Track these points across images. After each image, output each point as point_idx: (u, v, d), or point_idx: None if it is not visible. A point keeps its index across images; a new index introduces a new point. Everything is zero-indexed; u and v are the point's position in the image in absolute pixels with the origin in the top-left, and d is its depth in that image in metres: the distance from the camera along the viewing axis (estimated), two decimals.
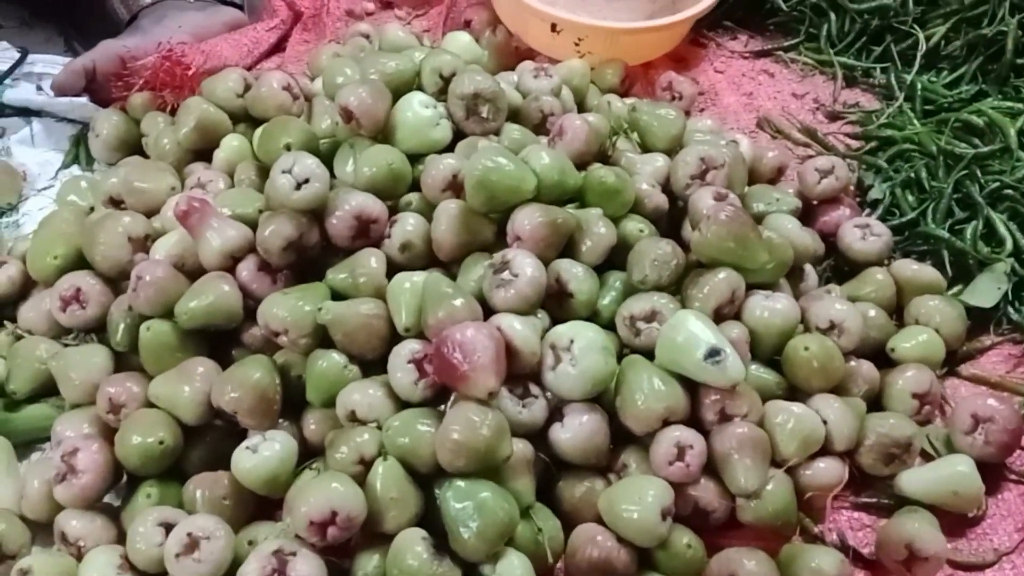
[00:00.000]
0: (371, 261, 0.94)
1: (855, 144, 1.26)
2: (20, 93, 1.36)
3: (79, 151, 1.32)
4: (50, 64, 1.43)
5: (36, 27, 1.59)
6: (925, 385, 0.95)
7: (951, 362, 1.03)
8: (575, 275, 0.94)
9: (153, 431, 0.87)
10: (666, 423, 0.86)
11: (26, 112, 1.35)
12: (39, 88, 1.39)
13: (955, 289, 1.07)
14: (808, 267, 1.04)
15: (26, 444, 0.98)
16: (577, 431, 0.86)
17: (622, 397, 0.88)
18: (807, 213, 1.12)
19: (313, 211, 0.95)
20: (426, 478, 0.84)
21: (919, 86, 1.28)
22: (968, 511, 0.90)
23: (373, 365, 0.92)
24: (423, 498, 0.84)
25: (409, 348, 0.88)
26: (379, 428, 0.86)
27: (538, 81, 1.18)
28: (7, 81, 1.38)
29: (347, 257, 0.97)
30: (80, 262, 1.02)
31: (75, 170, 1.30)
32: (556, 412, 0.88)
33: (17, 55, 1.43)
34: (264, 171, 1.06)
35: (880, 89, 1.34)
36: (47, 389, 0.98)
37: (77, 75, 1.29)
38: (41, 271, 1.03)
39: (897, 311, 1.05)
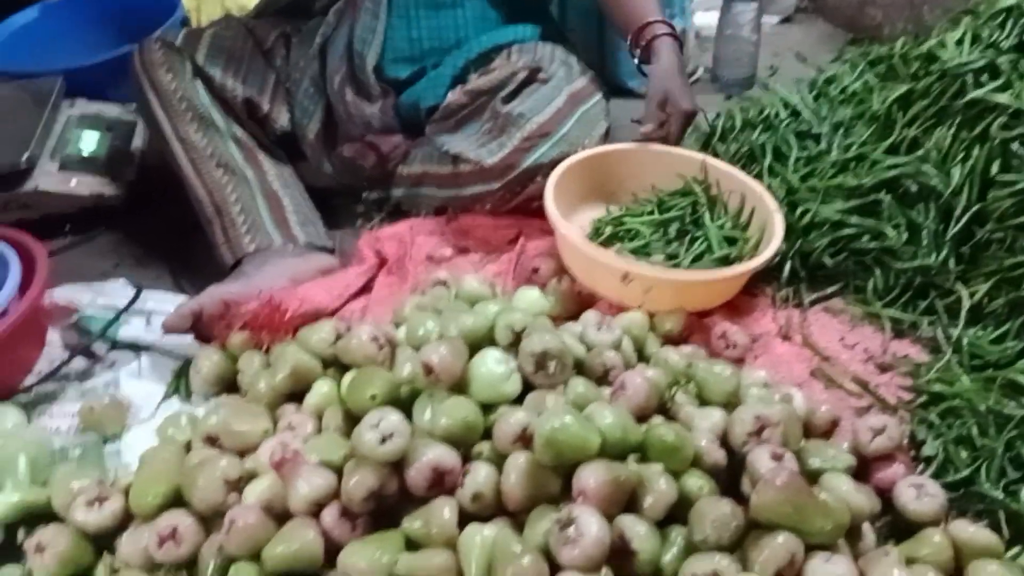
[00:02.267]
0: (444, 512, 1.01)
1: (906, 396, 1.31)
2: (131, 330, 1.51)
3: (180, 384, 1.44)
4: (160, 301, 1.59)
5: (149, 266, 1.78)
6: None
7: None
8: (638, 533, 0.98)
9: None
10: None
11: (135, 347, 1.50)
12: (148, 323, 1.55)
13: (1013, 550, 1.08)
14: (866, 526, 1.07)
15: None
16: None
17: None
18: (862, 468, 1.16)
19: (394, 463, 1.03)
20: None
21: (965, 341, 1.35)
22: None
23: None
24: None
25: None
26: None
27: (600, 334, 1.28)
28: (121, 318, 1.54)
29: (422, 505, 1.04)
30: (178, 499, 1.11)
31: (175, 402, 1.41)
32: None
33: (132, 292, 1.61)
34: (350, 416, 1.16)
35: (928, 342, 1.41)
36: None
37: (185, 318, 1.44)
38: (142, 508, 1.11)
39: (955, 574, 1.06)
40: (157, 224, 1.85)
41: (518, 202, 1.64)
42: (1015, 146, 1.38)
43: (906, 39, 1.74)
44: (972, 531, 1.07)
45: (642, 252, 1.50)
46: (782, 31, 2.64)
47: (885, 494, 1.13)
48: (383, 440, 1.02)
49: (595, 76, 1.71)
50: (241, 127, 1.71)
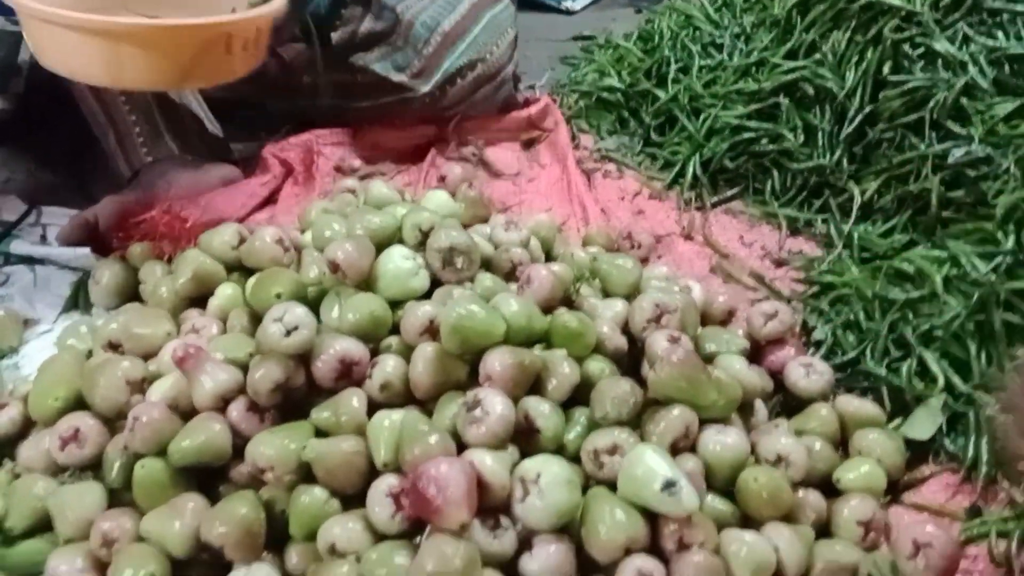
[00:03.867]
0: (353, 401, 1.02)
1: (800, 288, 1.37)
2: (24, 244, 1.46)
3: (79, 297, 1.40)
4: (55, 216, 1.54)
5: (42, 178, 1.70)
6: (869, 513, 1.02)
7: (894, 491, 1.10)
8: (542, 412, 1.01)
9: (144, 564, 0.92)
10: (628, 552, 0.92)
11: (30, 260, 1.45)
12: (43, 238, 1.50)
13: (894, 423, 1.15)
14: (758, 403, 1.12)
15: None
16: (545, 561, 0.92)
17: (587, 528, 0.94)
18: (756, 353, 1.22)
19: (300, 355, 1.03)
20: None
21: (856, 236, 1.41)
22: None
23: (353, 499, 0.98)
24: None
25: (387, 483, 0.94)
26: (357, 561, 0.91)
27: (508, 233, 1.29)
28: (13, 232, 1.48)
29: (330, 397, 1.04)
30: (79, 404, 1.09)
31: (74, 315, 1.37)
32: (525, 543, 0.94)
33: (24, 207, 1.55)
34: (255, 317, 1.15)
35: (821, 238, 1.47)
36: (42, 525, 1.02)
37: (81, 227, 1.40)
38: (42, 412, 1.09)
39: (841, 444, 1.13)
40: (49, 138, 1.76)
41: (433, 111, 1.64)
42: (906, 47, 1.43)
43: None
44: (857, 404, 1.14)
45: None
46: None
47: (777, 375, 1.19)
48: (288, 333, 1.02)
49: None
50: None
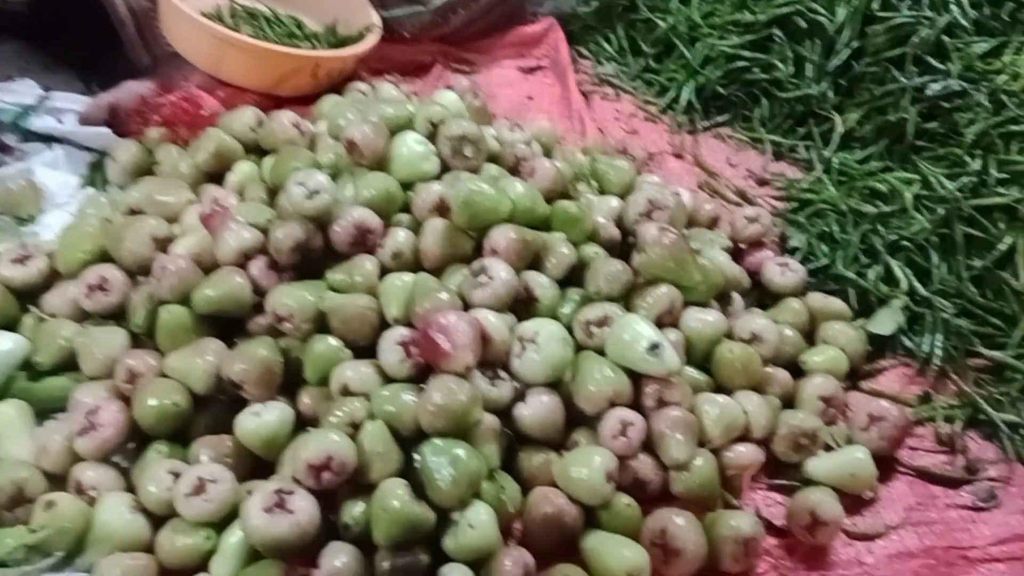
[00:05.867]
0: (367, 264, 1.10)
1: (780, 205, 1.47)
2: (44, 122, 1.51)
3: (96, 175, 1.46)
4: (70, 101, 1.58)
5: (57, 71, 1.75)
6: (830, 390, 1.12)
7: (854, 379, 1.20)
8: (540, 284, 1.10)
9: (168, 395, 1.00)
10: (612, 405, 1.02)
11: (49, 139, 1.50)
12: (59, 121, 1.55)
13: (859, 321, 1.25)
14: (735, 295, 1.22)
15: (43, 413, 1.09)
16: (538, 408, 1.01)
17: (576, 383, 1.03)
18: (736, 255, 1.31)
19: (319, 220, 1.11)
20: (407, 442, 0.98)
21: (835, 161, 1.50)
22: (863, 492, 1.06)
23: (364, 352, 1.06)
24: (404, 458, 0.97)
25: (398, 332, 1.03)
26: (368, 399, 1.00)
27: (513, 133, 1.37)
28: (31, 112, 1.53)
29: (346, 262, 1.12)
30: (104, 259, 1.16)
31: (91, 191, 1.44)
32: (520, 396, 1.03)
33: (42, 92, 1.59)
34: (272, 192, 1.22)
35: (803, 163, 1.56)
36: (67, 366, 1.10)
37: (101, 109, 1.45)
38: (70, 264, 1.16)
39: (809, 337, 1.23)
40: (66, 33, 1.80)
41: (441, 32, 1.71)
42: None
43: None
44: (825, 300, 1.25)
45: None
46: None
47: (755, 275, 1.29)
48: (310, 196, 1.09)
49: None
50: None
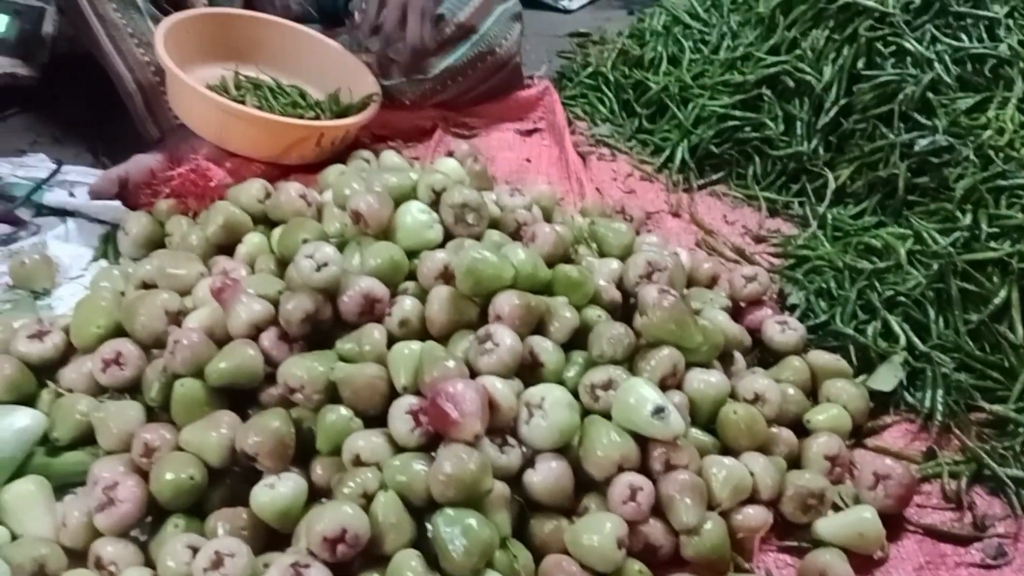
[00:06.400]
0: (375, 333, 1.13)
1: (777, 262, 1.50)
2: (56, 196, 1.55)
3: (108, 247, 1.49)
4: (82, 174, 1.63)
5: (67, 144, 1.79)
6: (835, 449, 1.14)
7: (858, 436, 1.22)
8: (545, 348, 1.13)
9: (184, 468, 1.02)
10: (620, 469, 1.03)
11: (62, 212, 1.54)
12: (71, 195, 1.59)
13: (860, 378, 1.27)
14: (737, 354, 1.24)
15: (61, 488, 1.10)
16: (547, 474, 1.03)
17: (584, 448, 1.05)
18: (736, 314, 1.34)
19: (328, 291, 1.14)
20: (420, 512, 0.99)
21: (829, 217, 1.54)
22: (872, 552, 1.07)
23: (374, 421, 1.08)
24: (416, 528, 0.99)
25: (407, 401, 1.05)
26: (379, 469, 1.02)
27: (513, 199, 1.40)
28: (44, 187, 1.57)
29: (354, 331, 1.15)
30: (119, 333, 1.18)
31: (103, 263, 1.47)
32: (529, 462, 1.05)
33: (54, 166, 1.64)
34: (282, 264, 1.25)
35: (798, 219, 1.60)
36: (85, 440, 1.11)
37: (112, 182, 1.49)
38: (85, 339, 1.18)
39: (812, 394, 1.25)
40: (74, 106, 1.86)
41: (441, 99, 1.76)
42: (879, 45, 1.57)
43: None
44: (827, 357, 1.27)
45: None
46: None
47: (755, 333, 1.31)
48: (318, 268, 1.12)
49: None
50: (159, 7, 1.73)
